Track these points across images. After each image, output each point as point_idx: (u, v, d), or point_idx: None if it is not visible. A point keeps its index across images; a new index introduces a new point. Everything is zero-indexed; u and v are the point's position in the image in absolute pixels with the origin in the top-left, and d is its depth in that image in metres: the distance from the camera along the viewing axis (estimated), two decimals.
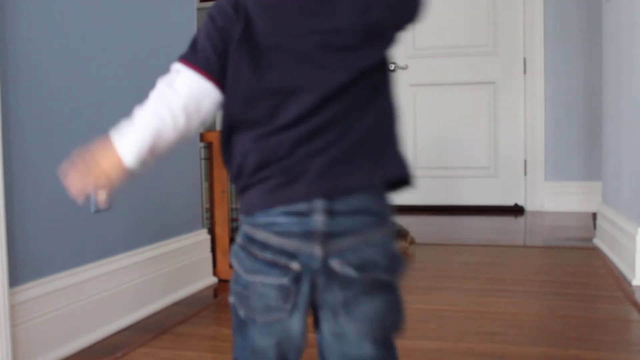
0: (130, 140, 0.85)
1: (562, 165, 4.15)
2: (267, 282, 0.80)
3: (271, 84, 0.79)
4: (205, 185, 2.39)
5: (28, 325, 1.38)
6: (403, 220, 3.23)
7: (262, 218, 0.80)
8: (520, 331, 1.60)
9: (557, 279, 2.16)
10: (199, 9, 4.65)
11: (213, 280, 2.22)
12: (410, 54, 4.37)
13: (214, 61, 0.82)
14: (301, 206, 0.78)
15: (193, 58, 0.84)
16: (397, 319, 0.89)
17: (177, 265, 2.01)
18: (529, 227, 3.51)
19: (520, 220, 3.80)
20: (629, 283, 2.10)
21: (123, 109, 1.84)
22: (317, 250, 0.79)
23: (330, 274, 0.79)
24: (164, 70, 1.71)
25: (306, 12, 0.79)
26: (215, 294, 2.08)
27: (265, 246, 0.80)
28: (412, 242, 2.69)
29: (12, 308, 1.33)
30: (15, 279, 1.36)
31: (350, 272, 0.79)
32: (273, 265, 0.79)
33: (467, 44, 4.28)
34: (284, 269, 0.79)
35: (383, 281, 0.83)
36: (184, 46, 1.77)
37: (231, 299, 0.84)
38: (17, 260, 1.37)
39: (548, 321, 1.68)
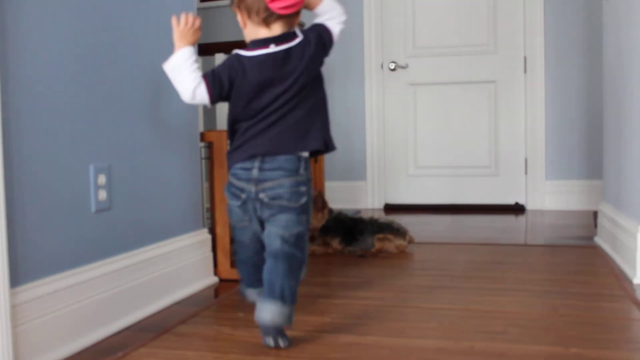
0: (177, 60, 1.55)
1: (563, 164, 4.15)
2: (234, 204, 1.57)
3: (256, 105, 1.52)
4: (205, 185, 2.39)
5: (29, 325, 1.39)
6: (403, 219, 3.23)
7: (232, 170, 1.56)
8: (521, 330, 1.60)
9: (558, 278, 2.16)
10: (199, 9, 4.65)
11: (214, 280, 2.23)
12: (411, 53, 4.37)
13: (217, 85, 1.53)
14: (247, 164, 1.52)
15: (209, 80, 1.53)
16: (296, 228, 1.54)
17: (178, 265, 2.01)
18: (529, 225, 3.51)
19: (521, 218, 3.80)
20: (630, 281, 2.10)
21: (123, 107, 1.85)
22: (252, 188, 1.52)
23: (260, 201, 1.53)
24: (163, 70, 1.71)
25: (276, 65, 1.51)
26: (216, 294, 2.08)
27: (233, 185, 1.56)
28: (411, 241, 2.69)
29: (13, 308, 1.34)
30: (16, 279, 1.36)
31: (268, 200, 1.52)
32: (235, 195, 1.56)
33: (467, 43, 4.28)
34: (239, 197, 1.55)
35: (286, 206, 1.52)
36: None
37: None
38: (18, 260, 1.37)
39: (549, 320, 1.68)
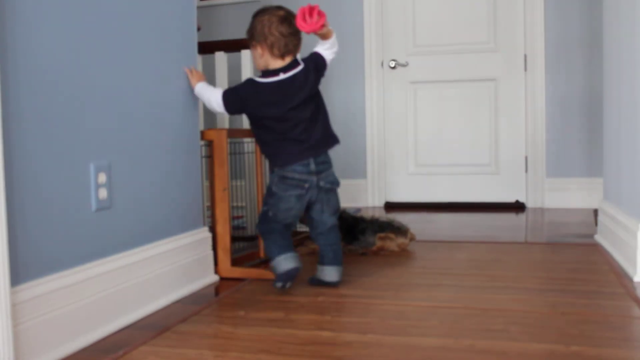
0: (199, 89, 2.12)
1: (563, 162, 4.15)
2: (293, 194, 2.01)
3: (275, 124, 2.03)
4: (206, 183, 2.39)
5: (30, 324, 1.39)
6: (404, 217, 3.23)
7: (289, 168, 2.01)
8: (521, 328, 1.60)
9: (559, 276, 2.16)
10: (199, 7, 4.63)
11: (214, 278, 2.23)
12: (411, 51, 4.37)
13: (231, 98, 2.09)
14: (305, 161, 2.01)
15: (226, 95, 2.10)
16: (338, 204, 2.15)
17: (179, 264, 2.01)
18: (530, 223, 3.51)
19: (521, 216, 3.80)
20: (630, 279, 2.10)
21: (123, 105, 1.85)
22: (314, 178, 2.02)
23: (319, 188, 2.04)
24: (163, 67, 1.74)
25: (284, 89, 2.03)
26: (217, 292, 2.08)
27: (292, 178, 2.01)
28: (412, 238, 2.69)
29: (14, 307, 1.34)
30: (16, 278, 1.36)
31: (328, 186, 2.06)
32: (296, 186, 2.01)
33: (467, 41, 4.28)
34: (301, 187, 2.01)
35: (334, 188, 2.10)
36: (183, 43, 1.80)
37: (264, 208, 2.09)
38: (19, 259, 1.37)
39: (549, 318, 1.68)
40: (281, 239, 2.06)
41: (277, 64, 2.04)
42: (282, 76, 2.02)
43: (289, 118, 2.00)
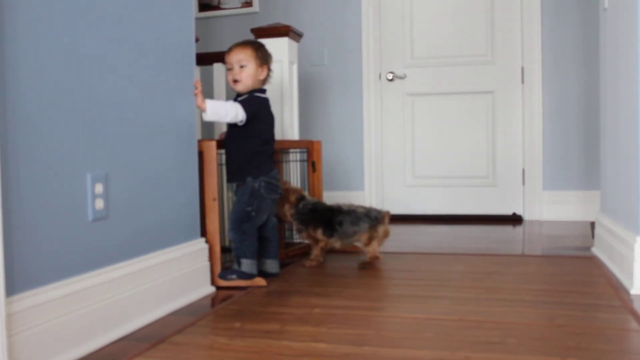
0: (212, 106, 2.23)
1: (561, 174, 4.16)
2: (272, 197, 2.37)
3: (268, 136, 2.40)
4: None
5: (25, 334, 1.38)
6: (400, 229, 3.22)
7: (271, 174, 2.35)
8: (518, 340, 1.59)
9: (556, 288, 2.16)
10: (197, 19, 4.65)
11: (211, 289, 2.22)
12: (409, 63, 4.39)
13: (249, 107, 2.29)
14: (275, 171, 2.40)
15: (243, 102, 2.29)
16: None
17: (175, 275, 2.01)
18: (527, 236, 3.51)
19: (518, 229, 3.81)
20: (627, 292, 2.10)
21: (121, 116, 1.85)
22: (280, 185, 2.44)
23: (279, 194, 2.44)
24: (162, 78, 1.74)
25: (269, 108, 2.41)
26: (213, 303, 2.07)
27: (273, 184, 2.36)
28: (389, 217, 2.67)
29: (9, 317, 1.33)
30: (11, 288, 1.36)
31: (281, 192, 2.47)
32: (275, 191, 2.37)
33: (465, 54, 4.30)
34: (277, 192, 2.39)
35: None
36: (182, 55, 1.81)
37: (248, 208, 2.30)
38: (14, 269, 1.37)
39: (546, 330, 1.68)
40: (256, 244, 2.33)
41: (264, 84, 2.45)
42: (268, 96, 2.42)
43: (270, 132, 2.39)
